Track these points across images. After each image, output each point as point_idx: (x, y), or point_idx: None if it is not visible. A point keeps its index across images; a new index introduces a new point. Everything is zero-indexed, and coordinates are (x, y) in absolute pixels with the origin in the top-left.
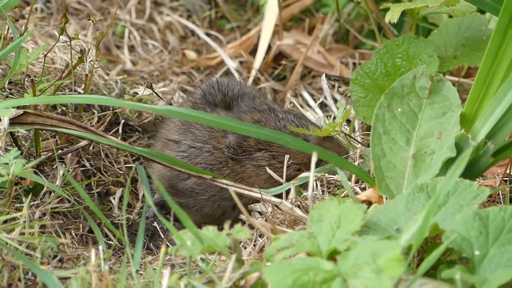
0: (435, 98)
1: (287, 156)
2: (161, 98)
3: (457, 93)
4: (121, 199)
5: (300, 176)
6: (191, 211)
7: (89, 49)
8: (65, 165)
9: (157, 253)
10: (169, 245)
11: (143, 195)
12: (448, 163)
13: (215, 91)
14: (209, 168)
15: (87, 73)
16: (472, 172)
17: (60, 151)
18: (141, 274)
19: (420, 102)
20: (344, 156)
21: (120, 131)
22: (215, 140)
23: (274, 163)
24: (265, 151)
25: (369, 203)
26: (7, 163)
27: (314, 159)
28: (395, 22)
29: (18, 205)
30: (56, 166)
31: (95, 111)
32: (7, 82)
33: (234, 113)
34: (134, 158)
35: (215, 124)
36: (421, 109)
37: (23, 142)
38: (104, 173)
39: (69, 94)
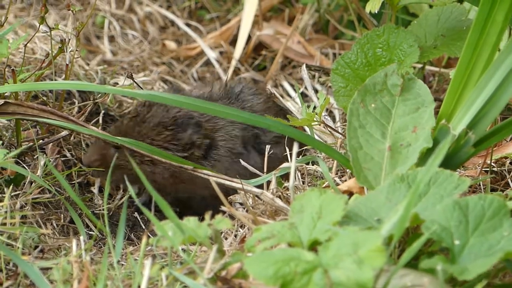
0: (407, 96)
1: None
2: (141, 88)
3: (428, 90)
4: (101, 189)
5: (281, 166)
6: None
7: (69, 39)
8: (46, 155)
9: (139, 244)
10: (150, 235)
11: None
12: (427, 155)
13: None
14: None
15: (67, 63)
16: (453, 162)
17: (41, 141)
18: (123, 264)
19: (392, 99)
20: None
21: (101, 121)
22: None
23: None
24: None
25: (350, 193)
26: None
27: (295, 149)
28: (376, 12)
29: None
30: (37, 156)
31: (76, 101)
32: None
33: None
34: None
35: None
36: (394, 105)
37: (4, 132)
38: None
39: None
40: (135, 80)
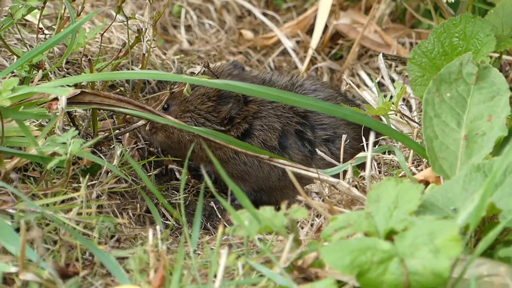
0: (482, 84)
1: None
2: (218, 77)
3: (504, 79)
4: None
5: (357, 156)
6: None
7: (146, 28)
8: (123, 145)
9: (215, 233)
10: (227, 225)
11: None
12: (503, 144)
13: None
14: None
15: (144, 52)
16: None
17: (117, 131)
18: (199, 254)
19: (468, 87)
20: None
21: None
22: None
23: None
24: None
25: (426, 183)
26: (65, 143)
27: (371, 138)
28: (452, 1)
29: (76, 185)
30: (114, 146)
31: (152, 92)
32: (64, 62)
33: None
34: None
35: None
36: (469, 94)
37: (81, 122)
38: (161, 153)
39: None
40: (212, 70)
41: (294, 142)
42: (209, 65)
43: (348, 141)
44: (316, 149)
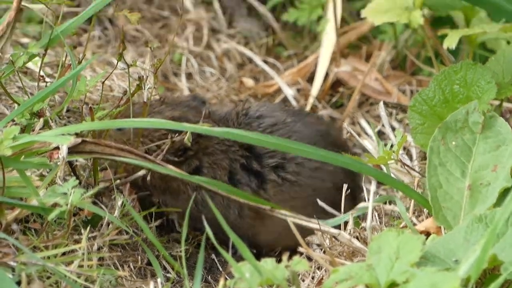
0: (488, 133)
1: (345, 186)
2: (219, 126)
3: (510, 128)
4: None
5: (358, 206)
6: None
7: (147, 76)
8: (124, 195)
9: (216, 286)
10: (228, 277)
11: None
12: (505, 194)
13: None
14: None
15: (145, 100)
16: None
17: (118, 180)
18: None
19: (473, 136)
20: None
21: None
22: None
23: None
24: None
25: (427, 233)
26: (65, 193)
27: (373, 188)
28: (453, 48)
29: (77, 236)
30: (115, 197)
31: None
32: (65, 110)
33: None
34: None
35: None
36: (475, 143)
37: (81, 172)
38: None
39: None
40: (213, 118)
41: (242, 177)
42: (210, 113)
43: (302, 162)
44: (266, 180)
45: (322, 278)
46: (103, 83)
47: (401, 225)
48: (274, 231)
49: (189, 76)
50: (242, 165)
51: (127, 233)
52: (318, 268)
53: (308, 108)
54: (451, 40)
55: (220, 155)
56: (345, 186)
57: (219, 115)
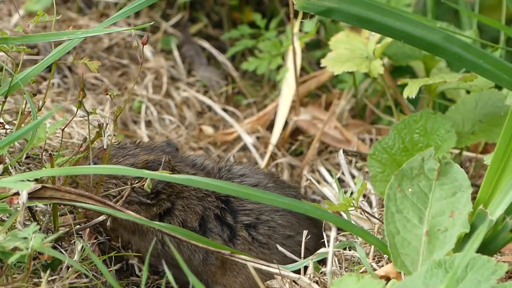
0: (444, 180)
1: (305, 232)
2: (179, 173)
3: (465, 175)
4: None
5: (318, 252)
6: None
7: (107, 124)
8: (83, 240)
9: None
10: None
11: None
12: (465, 240)
13: None
14: None
15: (105, 147)
16: (490, 248)
17: (78, 226)
18: None
19: (429, 183)
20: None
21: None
22: None
23: None
24: None
25: (387, 279)
26: (26, 238)
27: (333, 235)
28: (413, 97)
29: (36, 280)
30: (74, 241)
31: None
32: (24, 157)
33: None
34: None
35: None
36: (431, 189)
37: (41, 217)
38: (122, 248)
39: None
40: (173, 165)
41: (215, 226)
42: (170, 160)
43: (275, 227)
44: (237, 235)
45: None
46: (62, 130)
47: (361, 270)
48: (231, 286)
49: (148, 123)
50: (216, 215)
51: (86, 276)
52: None
53: (267, 156)
54: (411, 90)
55: (195, 201)
56: (305, 232)
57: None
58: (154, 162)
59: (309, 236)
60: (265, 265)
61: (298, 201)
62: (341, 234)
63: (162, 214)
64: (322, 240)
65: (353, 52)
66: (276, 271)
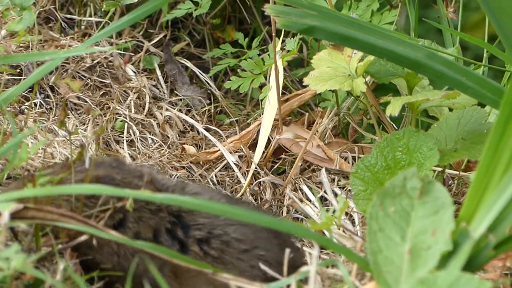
0: (426, 198)
1: (287, 251)
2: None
3: (447, 193)
4: None
5: (300, 270)
6: None
7: (89, 143)
8: (65, 259)
9: None
10: None
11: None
12: (447, 257)
13: None
14: None
15: (87, 167)
16: (473, 265)
17: (60, 246)
18: None
19: (412, 202)
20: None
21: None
22: None
23: None
24: None
25: None
26: (8, 258)
27: (315, 253)
28: (396, 115)
29: None
30: (56, 261)
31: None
32: (5, 177)
33: None
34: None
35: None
36: (413, 208)
37: (23, 237)
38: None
39: None
40: (155, 185)
41: (165, 240)
42: (152, 180)
43: (229, 241)
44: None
45: None
46: (44, 150)
47: None
48: None
49: (130, 143)
50: (167, 229)
51: None
52: None
53: (250, 174)
54: (393, 108)
55: (147, 214)
56: (287, 250)
57: (160, 184)
58: (105, 177)
59: (268, 250)
60: (248, 284)
61: (280, 219)
62: (324, 252)
63: (116, 226)
64: (289, 250)
65: (336, 70)
66: None
